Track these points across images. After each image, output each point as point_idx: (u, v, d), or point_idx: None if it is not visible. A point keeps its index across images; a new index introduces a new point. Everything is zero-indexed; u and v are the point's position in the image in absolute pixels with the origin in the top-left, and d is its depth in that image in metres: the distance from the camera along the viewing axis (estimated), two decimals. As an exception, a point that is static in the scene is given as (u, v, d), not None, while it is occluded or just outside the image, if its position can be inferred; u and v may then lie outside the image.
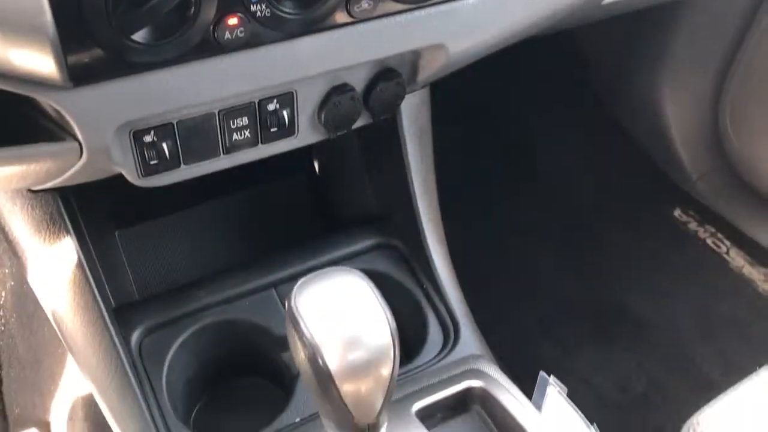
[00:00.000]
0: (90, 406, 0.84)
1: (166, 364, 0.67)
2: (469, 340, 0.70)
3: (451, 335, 0.71)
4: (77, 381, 0.88)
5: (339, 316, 0.43)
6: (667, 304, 1.14)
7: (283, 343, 0.70)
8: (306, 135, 0.65)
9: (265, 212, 0.83)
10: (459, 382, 0.62)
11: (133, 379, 0.63)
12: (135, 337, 0.67)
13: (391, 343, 0.43)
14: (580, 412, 0.58)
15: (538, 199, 1.24)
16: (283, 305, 0.72)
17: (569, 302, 1.05)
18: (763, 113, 1.16)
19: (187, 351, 0.68)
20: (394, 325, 0.44)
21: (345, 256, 0.73)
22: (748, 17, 1.13)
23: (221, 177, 0.66)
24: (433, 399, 0.60)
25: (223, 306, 0.70)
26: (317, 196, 0.82)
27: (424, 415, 0.59)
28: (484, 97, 1.22)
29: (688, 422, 0.65)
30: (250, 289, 0.72)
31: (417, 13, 0.59)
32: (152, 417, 0.62)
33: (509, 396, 0.61)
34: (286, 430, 0.62)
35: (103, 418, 0.68)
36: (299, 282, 0.44)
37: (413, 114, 0.73)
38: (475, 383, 0.62)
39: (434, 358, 0.69)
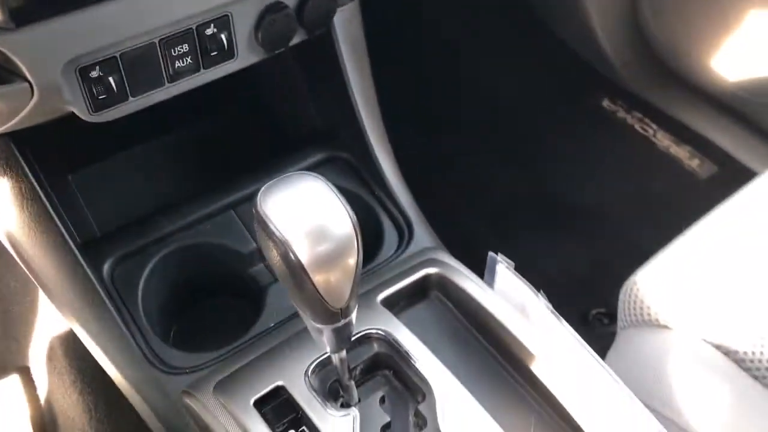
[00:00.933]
0: (67, 343, 0.87)
1: (140, 291, 0.70)
2: (423, 235, 0.75)
3: (405, 234, 0.76)
4: (51, 322, 0.90)
5: (304, 213, 0.46)
6: (603, 189, 1.22)
7: (248, 260, 0.75)
8: (245, 56, 0.67)
9: (216, 141, 0.85)
10: (417, 271, 0.67)
11: (111, 307, 0.66)
12: (106, 268, 0.69)
13: (354, 233, 0.47)
14: (528, 283, 0.64)
15: (475, 101, 1.29)
16: (244, 224, 0.76)
17: (513, 197, 1.10)
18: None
19: (157, 277, 0.72)
20: (354, 218, 0.48)
21: (297, 171, 0.77)
22: None
23: (170, 111, 0.68)
24: (395, 288, 0.65)
25: (186, 231, 0.74)
26: (265, 119, 0.84)
27: (388, 304, 0.64)
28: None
29: (626, 284, 0.73)
30: (211, 212, 0.75)
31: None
32: (135, 340, 0.66)
33: (463, 278, 0.66)
34: (262, 335, 0.67)
35: (83, 352, 0.71)
36: (263, 188, 0.48)
37: (346, 28, 0.76)
38: (431, 270, 0.67)
39: (392, 255, 0.74)
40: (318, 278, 0.47)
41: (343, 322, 0.51)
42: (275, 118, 0.83)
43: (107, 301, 0.66)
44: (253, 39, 0.67)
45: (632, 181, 1.25)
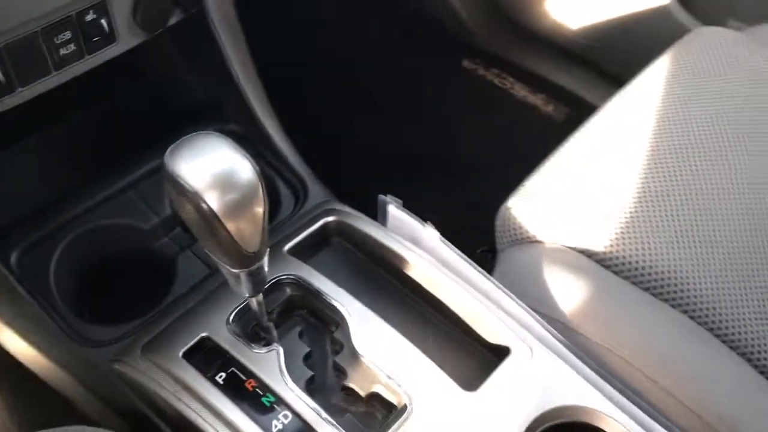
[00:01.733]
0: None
1: (51, 277, 0.72)
2: (317, 191, 0.81)
3: (300, 193, 0.82)
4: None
5: (210, 167, 0.51)
6: (472, 139, 1.32)
7: (152, 235, 0.78)
8: (127, 39, 0.71)
9: (109, 125, 0.87)
10: (317, 221, 0.73)
11: (24, 293, 0.68)
12: (13, 259, 0.71)
13: (258, 180, 0.52)
14: (416, 217, 0.71)
15: (348, 72, 1.36)
16: (144, 202, 0.80)
17: (393, 155, 1.18)
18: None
19: (67, 262, 0.74)
20: (257, 167, 0.53)
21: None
22: None
23: (60, 99, 0.70)
24: (299, 238, 0.71)
25: (89, 215, 0.76)
26: (154, 100, 0.87)
27: (295, 253, 0.70)
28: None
29: (500, 210, 0.82)
30: (110, 194, 0.78)
31: None
32: (54, 322, 0.68)
33: (360, 221, 0.73)
34: (178, 300, 0.71)
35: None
36: (169, 149, 0.52)
37: (218, 4, 0.80)
38: (330, 218, 0.73)
39: (291, 213, 0.79)
40: (230, 224, 0.52)
41: (257, 265, 0.56)
42: (164, 97, 0.86)
43: (19, 288, 0.68)
44: (132, 22, 0.70)
45: (497, 130, 1.36)
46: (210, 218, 0.51)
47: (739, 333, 0.70)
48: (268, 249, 0.57)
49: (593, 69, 1.35)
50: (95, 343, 0.68)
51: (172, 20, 0.73)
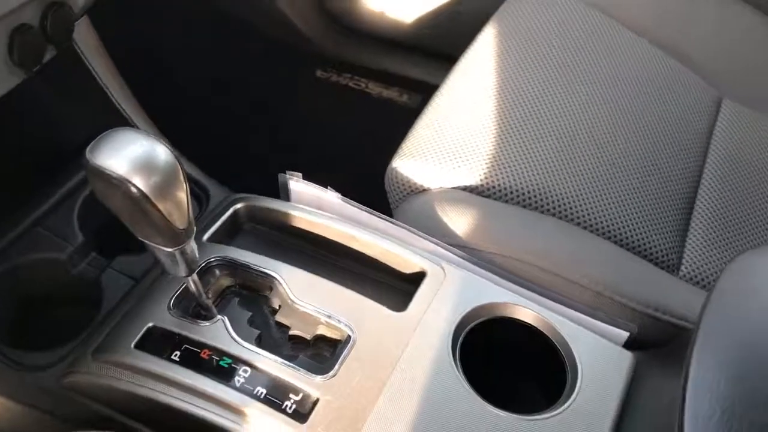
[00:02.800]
0: None
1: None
2: (218, 191, 0.87)
3: (203, 199, 0.88)
4: None
5: (130, 155, 0.56)
6: (342, 139, 1.41)
7: (70, 263, 0.81)
8: (6, 80, 0.74)
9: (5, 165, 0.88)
10: (227, 210, 0.79)
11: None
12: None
13: (177, 162, 0.58)
14: (317, 186, 0.79)
15: (221, 94, 1.42)
16: (55, 234, 0.82)
17: (276, 161, 1.25)
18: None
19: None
20: (172, 149, 0.59)
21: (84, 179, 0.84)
22: None
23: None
24: (214, 228, 0.77)
25: (1, 257, 0.78)
26: (42, 137, 0.90)
27: (213, 241, 0.76)
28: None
29: (387, 173, 0.91)
30: (20, 233, 0.80)
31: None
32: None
33: (266, 201, 0.80)
34: (113, 310, 0.74)
35: None
36: (87, 149, 0.57)
37: (85, 37, 0.85)
38: (239, 205, 0.80)
39: (199, 213, 0.85)
40: (159, 203, 0.57)
41: (188, 242, 0.62)
42: (50, 132, 0.88)
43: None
44: (9, 62, 0.73)
45: (360, 125, 1.47)
46: (140, 200, 0.57)
47: (602, 221, 0.83)
48: (194, 228, 0.63)
49: (435, 55, 1.49)
50: (39, 368, 0.70)
51: (47, 57, 0.77)
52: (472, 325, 0.70)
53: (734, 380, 0.47)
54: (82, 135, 0.90)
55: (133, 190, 0.56)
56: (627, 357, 0.69)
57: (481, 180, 0.85)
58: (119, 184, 0.56)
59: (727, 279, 0.53)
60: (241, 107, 1.43)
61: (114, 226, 0.82)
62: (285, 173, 0.80)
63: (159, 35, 1.37)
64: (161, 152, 0.58)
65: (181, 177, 0.59)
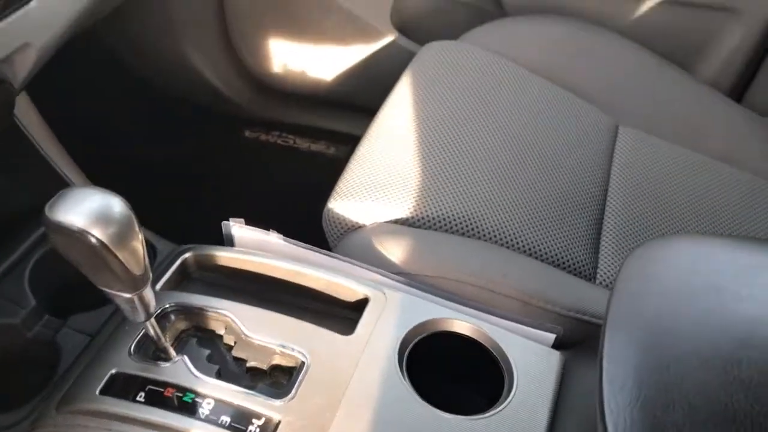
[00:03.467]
0: None
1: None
2: (164, 245, 0.91)
3: (151, 253, 0.92)
4: None
5: (88, 209, 0.61)
6: (271, 193, 1.47)
7: (25, 327, 0.83)
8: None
9: None
10: (175, 261, 0.84)
11: None
12: None
13: (131, 212, 0.63)
14: (259, 229, 0.85)
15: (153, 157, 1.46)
16: (6, 299, 0.84)
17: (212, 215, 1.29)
18: (259, 26, 1.52)
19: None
20: (129, 205, 0.64)
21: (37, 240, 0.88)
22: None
23: None
24: (165, 277, 0.81)
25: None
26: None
27: (165, 290, 0.80)
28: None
29: (324, 214, 0.97)
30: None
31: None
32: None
33: (213, 249, 0.85)
34: (71, 366, 0.77)
35: None
36: (47, 206, 0.61)
37: (25, 111, 0.89)
38: (187, 255, 0.84)
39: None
40: (118, 251, 0.62)
41: (145, 287, 0.66)
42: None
43: None
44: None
45: (296, 179, 1.54)
46: (99, 249, 0.61)
47: (523, 240, 0.92)
48: (150, 275, 0.67)
49: (356, 107, 1.58)
50: (2, 429, 0.72)
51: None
52: (415, 340, 0.76)
53: (641, 350, 0.55)
54: (26, 203, 0.94)
55: (93, 240, 0.60)
56: (555, 356, 0.77)
57: (410, 212, 0.92)
58: (79, 236, 0.60)
59: (627, 268, 0.62)
60: (176, 168, 1.48)
61: (66, 287, 0.86)
62: (228, 221, 0.85)
63: (94, 105, 1.41)
64: (116, 204, 0.63)
65: (136, 226, 0.64)
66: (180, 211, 1.31)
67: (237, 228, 0.85)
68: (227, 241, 0.87)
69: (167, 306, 0.77)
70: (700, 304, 0.57)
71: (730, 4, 1.27)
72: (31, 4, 0.78)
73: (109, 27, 1.36)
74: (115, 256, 0.62)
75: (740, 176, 1.07)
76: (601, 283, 0.92)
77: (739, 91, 1.37)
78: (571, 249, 0.94)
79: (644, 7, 1.32)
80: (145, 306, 0.67)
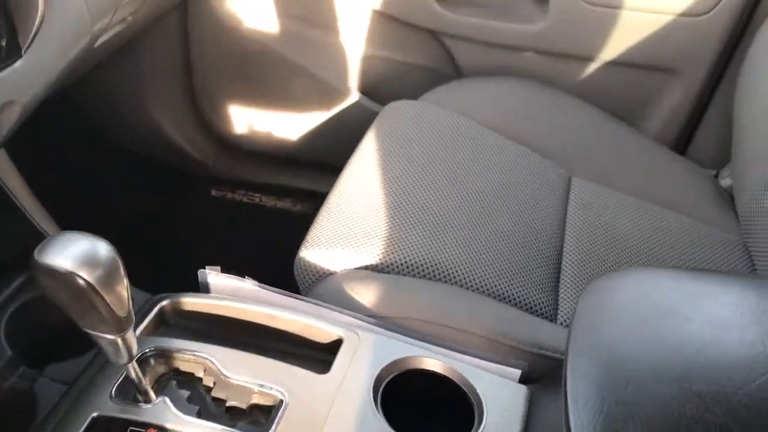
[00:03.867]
0: None
1: None
2: (139, 295, 0.93)
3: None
4: None
5: (76, 252, 0.64)
6: (239, 249, 1.50)
7: (1, 377, 0.84)
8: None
9: None
10: (152, 309, 0.86)
11: None
12: None
13: (116, 255, 0.66)
14: (234, 276, 0.88)
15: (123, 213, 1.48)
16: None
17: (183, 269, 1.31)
18: (226, 88, 1.58)
19: None
20: (112, 246, 0.67)
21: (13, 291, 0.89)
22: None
23: None
24: (143, 324, 0.83)
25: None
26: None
27: (143, 336, 0.82)
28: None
29: (295, 262, 1.01)
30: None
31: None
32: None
33: (189, 296, 0.87)
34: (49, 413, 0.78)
35: None
36: (36, 251, 0.64)
37: (2, 165, 0.92)
38: (164, 303, 0.87)
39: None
40: (104, 293, 0.65)
41: (128, 329, 0.69)
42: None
43: None
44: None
45: (262, 235, 1.57)
46: (87, 291, 0.64)
47: (487, 283, 0.97)
48: (134, 317, 0.70)
49: (322, 165, 1.63)
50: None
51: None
52: (389, 378, 0.79)
53: (601, 371, 0.59)
54: (2, 255, 0.95)
55: (81, 282, 0.63)
56: (522, 390, 0.81)
57: (379, 259, 0.96)
58: (68, 278, 0.63)
59: (584, 300, 0.67)
60: (145, 223, 1.50)
61: (43, 337, 0.88)
62: (204, 269, 0.88)
63: (65, 160, 1.43)
64: (103, 248, 0.66)
65: (122, 270, 0.67)
66: (152, 264, 1.33)
67: (213, 275, 0.88)
68: (203, 289, 0.89)
69: (147, 350, 0.79)
70: (653, 327, 0.62)
71: (669, 65, 1.38)
72: (17, 63, 0.81)
73: (81, 87, 1.39)
74: (102, 298, 0.64)
75: (683, 221, 1.15)
76: (562, 323, 0.97)
77: (682, 144, 1.46)
78: (532, 291, 0.99)
79: (591, 68, 1.41)
80: (128, 348, 0.69)
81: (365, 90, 1.56)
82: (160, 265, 1.34)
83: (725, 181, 1.34)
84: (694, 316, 0.62)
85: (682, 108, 1.40)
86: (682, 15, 1.31)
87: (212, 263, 0.91)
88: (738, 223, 1.19)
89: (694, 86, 1.37)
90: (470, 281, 0.96)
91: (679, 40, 1.33)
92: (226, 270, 0.89)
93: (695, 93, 1.38)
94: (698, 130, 1.43)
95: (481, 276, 0.97)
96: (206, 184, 1.67)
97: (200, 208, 1.64)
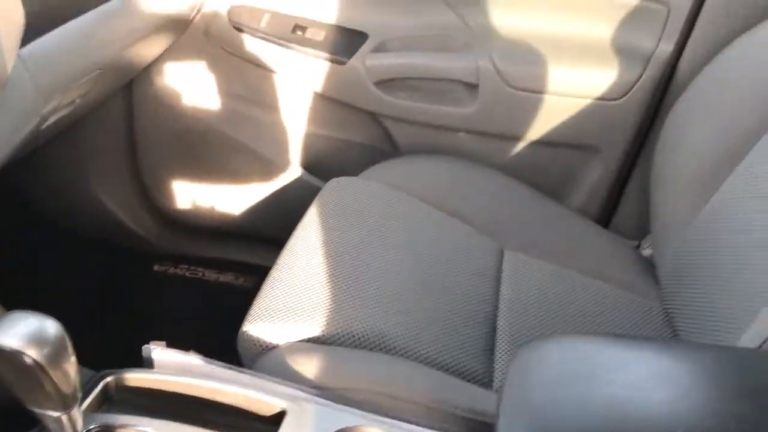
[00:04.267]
0: None
1: None
2: (83, 374, 0.94)
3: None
4: None
5: (22, 331, 0.66)
6: (182, 324, 1.51)
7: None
8: None
9: None
10: (97, 385, 0.87)
11: None
12: None
13: (64, 332, 0.68)
14: (179, 351, 0.89)
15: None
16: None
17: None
18: (169, 165, 1.61)
19: None
20: (62, 328, 0.68)
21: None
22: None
23: None
24: (88, 401, 0.84)
25: None
26: None
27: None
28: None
29: (238, 337, 1.03)
30: None
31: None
32: None
33: (133, 372, 0.88)
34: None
35: None
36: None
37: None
38: (108, 379, 0.87)
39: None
40: (51, 370, 0.66)
41: (74, 406, 0.70)
42: None
43: None
44: None
45: (204, 310, 1.58)
46: (34, 369, 0.65)
47: (424, 353, 1.01)
48: (79, 395, 0.71)
49: (266, 240, 1.66)
50: None
51: None
52: (330, 449, 0.81)
53: (530, 433, 0.64)
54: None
55: (28, 360, 0.65)
56: (460, 455, 0.84)
57: (321, 331, 1.00)
58: (15, 357, 0.64)
59: (514, 367, 0.72)
60: (87, 300, 1.50)
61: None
62: (149, 344, 0.90)
63: (7, 241, 1.43)
64: (50, 326, 0.68)
65: (69, 347, 0.69)
66: (96, 340, 1.32)
67: (157, 351, 0.89)
68: (147, 364, 0.90)
69: (91, 427, 0.79)
70: (578, 390, 0.67)
71: (590, 144, 1.48)
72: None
73: (22, 166, 1.41)
74: (49, 376, 0.66)
75: (608, 289, 1.22)
76: (497, 389, 1.02)
77: (606, 217, 1.56)
78: (469, 359, 1.03)
79: (519, 147, 1.51)
80: (73, 425, 0.70)
81: (307, 166, 1.62)
82: (105, 341, 1.34)
83: (646, 251, 1.44)
84: (615, 379, 0.67)
85: (603, 184, 1.50)
86: (600, 99, 1.42)
87: (156, 338, 0.92)
88: (659, 290, 1.28)
89: (613, 163, 1.48)
90: (409, 351, 1.00)
91: (598, 121, 1.44)
92: (170, 345, 0.91)
93: (615, 170, 1.48)
94: (620, 204, 1.53)
95: (420, 345, 1.01)
96: (149, 260, 1.68)
97: (143, 283, 1.64)
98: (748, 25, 1.27)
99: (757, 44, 1.23)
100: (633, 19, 1.42)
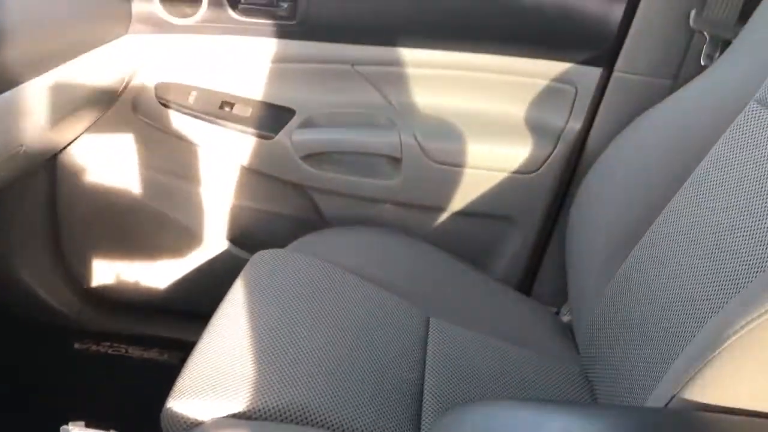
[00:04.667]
0: None
1: None
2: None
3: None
4: None
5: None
6: (105, 403, 1.46)
7: None
8: None
9: None
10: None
11: None
12: None
13: None
14: (100, 429, 0.87)
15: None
16: None
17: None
18: (92, 240, 1.58)
19: None
20: None
21: None
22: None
23: None
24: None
25: None
26: None
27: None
28: None
29: (162, 414, 1.01)
30: None
31: None
32: None
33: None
34: None
35: None
36: None
37: None
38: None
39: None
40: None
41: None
42: None
43: None
44: None
45: (127, 387, 1.54)
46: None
47: (350, 424, 1.01)
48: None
49: (191, 315, 1.64)
50: None
51: None
52: None
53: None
54: None
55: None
56: None
57: (247, 406, 0.99)
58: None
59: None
60: (3, 379, 1.44)
61: None
62: (67, 425, 0.88)
63: None
64: None
65: None
66: (12, 420, 1.27)
67: (76, 431, 0.87)
68: (65, 445, 0.88)
69: None
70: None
71: (508, 215, 1.55)
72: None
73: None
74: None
75: (528, 355, 1.26)
76: (424, 458, 1.03)
77: (526, 285, 1.62)
78: (397, 427, 1.04)
79: (442, 218, 1.56)
80: None
81: (234, 239, 1.63)
82: (21, 420, 1.29)
83: (566, 317, 1.49)
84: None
85: (523, 253, 1.56)
86: (516, 172, 1.50)
87: (75, 418, 0.90)
88: (579, 355, 1.32)
89: (531, 233, 1.54)
90: (336, 423, 1.01)
91: (515, 193, 1.51)
92: (91, 425, 0.89)
93: (533, 239, 1.55)
94: (539, 272, 1.59)
95: (347, 417, 1.02)
96: (69, 337, 1.63)
97: (62, 361, 1.59)
98: (648, 104, 1.37)
99: (671, 110, 1.28)
100: (544, 98, 1.51)
